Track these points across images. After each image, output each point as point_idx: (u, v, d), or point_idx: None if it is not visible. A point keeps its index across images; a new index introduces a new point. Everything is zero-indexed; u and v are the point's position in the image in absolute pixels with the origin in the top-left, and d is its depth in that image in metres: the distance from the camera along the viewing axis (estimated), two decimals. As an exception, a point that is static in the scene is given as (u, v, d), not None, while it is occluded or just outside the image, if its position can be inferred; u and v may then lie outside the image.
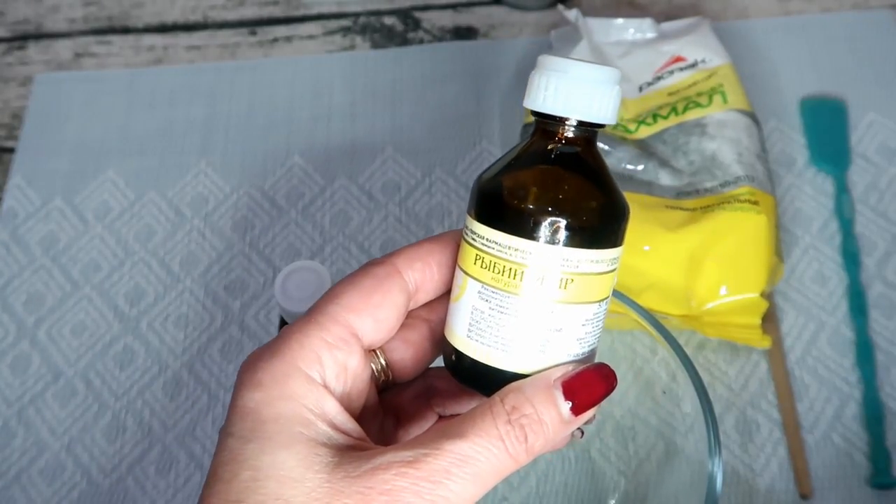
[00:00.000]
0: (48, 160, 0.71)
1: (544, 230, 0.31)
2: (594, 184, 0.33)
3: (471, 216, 0.33)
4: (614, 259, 0.33)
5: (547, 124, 0.33)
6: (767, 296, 0.57)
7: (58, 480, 0.58)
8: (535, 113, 0.33)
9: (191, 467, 0.58)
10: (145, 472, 0.58)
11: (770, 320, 0.59)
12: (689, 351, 0.58)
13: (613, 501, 0.49)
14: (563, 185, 0.32)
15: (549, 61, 0.33)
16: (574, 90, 0.32)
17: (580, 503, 0.50)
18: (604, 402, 0.32)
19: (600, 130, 0.34)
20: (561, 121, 0.32)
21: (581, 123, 0.32)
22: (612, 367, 0.32)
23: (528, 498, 0.50)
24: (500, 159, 0.34)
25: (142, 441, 0.59)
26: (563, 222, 0.31)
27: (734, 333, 0.56)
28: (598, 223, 0.32)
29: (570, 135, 0.33)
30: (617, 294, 0.41)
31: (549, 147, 0.33)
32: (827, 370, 0.58)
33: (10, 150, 0.72)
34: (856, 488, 0.54)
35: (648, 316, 0.42)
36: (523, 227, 0.31)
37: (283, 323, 0.53)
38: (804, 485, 0.54)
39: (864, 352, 0.58)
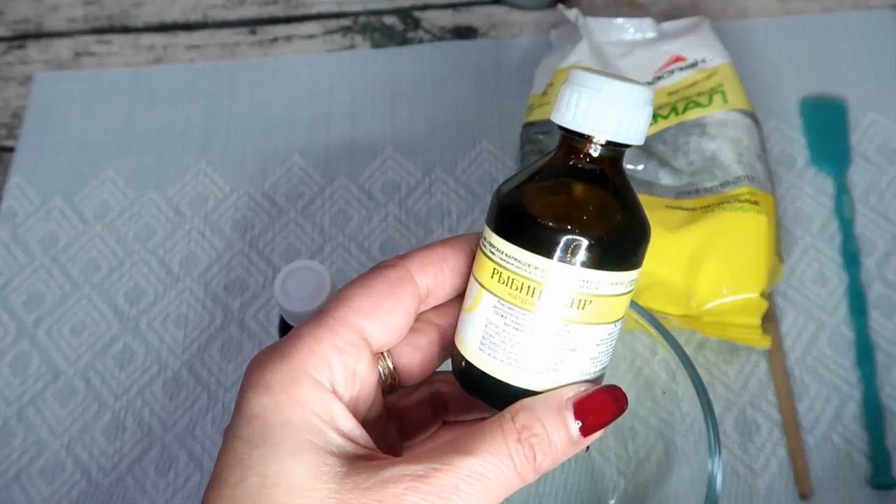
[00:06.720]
0: (48, 159, 0.70)
1: (564, 250, 0.30)
2: (618, 204, 0.32)
3: (489, 228, 0.32)
4: (633, 280, 0.32)
5: (574, 140, 0.32)
6: (767, 296, 0.57)
7: (57, 480, 0.58)
8: (561, 128, 0.32)
9: (190, 467, 0.58)
10: (145, 471, 0.58)
11: (770, 320, 0.59)
12: (689, 351, 0.58)
13: (613, 501, 0.49)
14: (587, 204, 0.31)
15: (581, 77, 0.32)
16: (605, 109, 0.31)
17: (580, 503, 0.50)
18: None
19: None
20: (588, 139, 0.32)
21: (609, 143, 0.32)
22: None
23: (528, 497, 0.50)
24: (521, 171, 0.33)
25: (141, 441, 0.59)
26: (584, 243, 0.30)
27: (734, 333, 0.56)
28: (620, 246, 0.31)
29: (597, 153, 0.32)
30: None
31: (574, 164, 0.32)
32: (827, 370, 0.58)
33: (10, 150, 0.72)
34: (856, 488, 0.54)
35: (648, 316, 0.42)
36: (543, 244, 0.31)
37: (282, 322, 0.53)
38: (804, 485, 0.54)
39: (864, 352, 0.58)
